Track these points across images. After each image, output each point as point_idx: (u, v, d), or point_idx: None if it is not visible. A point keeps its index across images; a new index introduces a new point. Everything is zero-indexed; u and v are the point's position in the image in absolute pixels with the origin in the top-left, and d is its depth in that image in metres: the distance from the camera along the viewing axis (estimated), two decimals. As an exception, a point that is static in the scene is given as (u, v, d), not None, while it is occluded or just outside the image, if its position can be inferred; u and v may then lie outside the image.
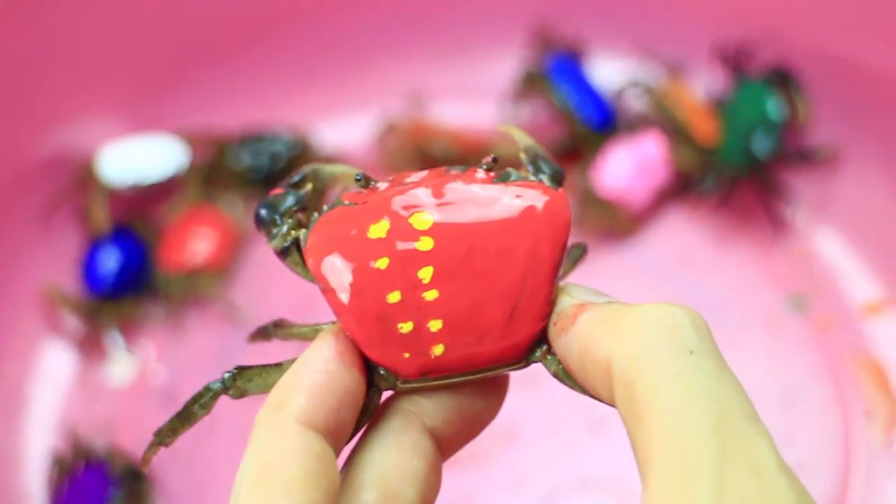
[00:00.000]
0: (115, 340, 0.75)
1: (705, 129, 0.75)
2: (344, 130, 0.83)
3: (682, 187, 0.76)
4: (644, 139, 0.76)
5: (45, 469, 0.69)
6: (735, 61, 0.77)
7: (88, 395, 0.74)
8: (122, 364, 0.75)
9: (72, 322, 0.76)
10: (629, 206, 0.75)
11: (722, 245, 0.75)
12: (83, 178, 0.79)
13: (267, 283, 0.77)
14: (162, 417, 0.76)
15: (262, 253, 0.79)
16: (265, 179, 0.81)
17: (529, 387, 0.68)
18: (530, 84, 0.81)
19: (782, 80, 0.75)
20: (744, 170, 0.74)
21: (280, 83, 0.84)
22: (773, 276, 0.73)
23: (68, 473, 0.68)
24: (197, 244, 0.78)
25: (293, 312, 0.75)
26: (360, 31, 0.84)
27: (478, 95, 0.83)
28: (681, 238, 0.75)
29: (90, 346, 0.75)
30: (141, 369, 0.75)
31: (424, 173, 0.34)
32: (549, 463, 0.67)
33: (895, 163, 0.72)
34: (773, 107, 0.74)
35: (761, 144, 0.73)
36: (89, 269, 0.77)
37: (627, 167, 0.75)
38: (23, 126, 0.78)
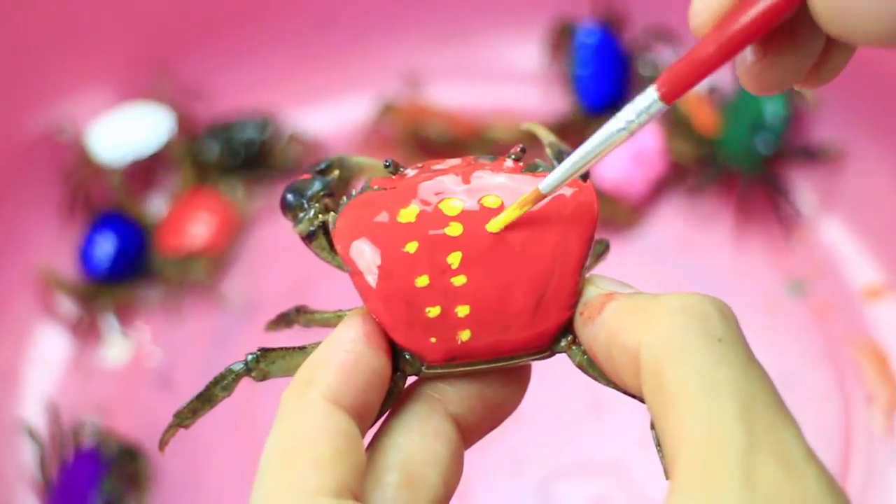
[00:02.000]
0: (110, 324, 0.75)
1: (705, 118, 0.75)
2: (335, 113, 0.83)
3: (679, 178, 0.76)
4: (640, 129, 0.76)
5: (38, 452, 0.68)
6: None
7: (83, 377, 0.74)
8: (117, 346, 0.75)
9: (67, 305, 0.76)
10: (628, 198, 0.74)
11: (722, 231, 0.75)
12: (80, 161, 0.78)
13: (263, 270, 0.77)
14: (156, 399, 0.76)
15: (260, 239, 0.79)
16: (242, 165, 0.81)
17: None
18: (561, 38, 0.80)
19: None
20: (746, 165, 0.73)
21: (270, 63, 0.84)
22: (773, 261, 0.72)
23: (60, 456, 0.68)
24: (195, 228, 0.78)
25: (287, 298, 0.74)
26: (354, 11, 0.84)
27: (473, 77, 0.83)
28: (680, 225, 0.75)
29: (85, 329, 0.75)
30: (136, 351, 0.74)
31: (454, 161, 0.34)
32: (549, 446, 0.67)
33: (896, 149, 0.72)
34: (778, 104, 0.74)
35: (765, 141, 0.73)
36: (86, 253, 0.77)
37: (625, 158, 0.74)
38: (13, 106, 0.78)
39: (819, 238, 0.73)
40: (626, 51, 0.79)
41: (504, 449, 0.66)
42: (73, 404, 0.71)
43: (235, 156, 0.81)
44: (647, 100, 0.29)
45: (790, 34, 0.29)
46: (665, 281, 0.71)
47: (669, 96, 0.29)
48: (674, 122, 0.76)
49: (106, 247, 0.76)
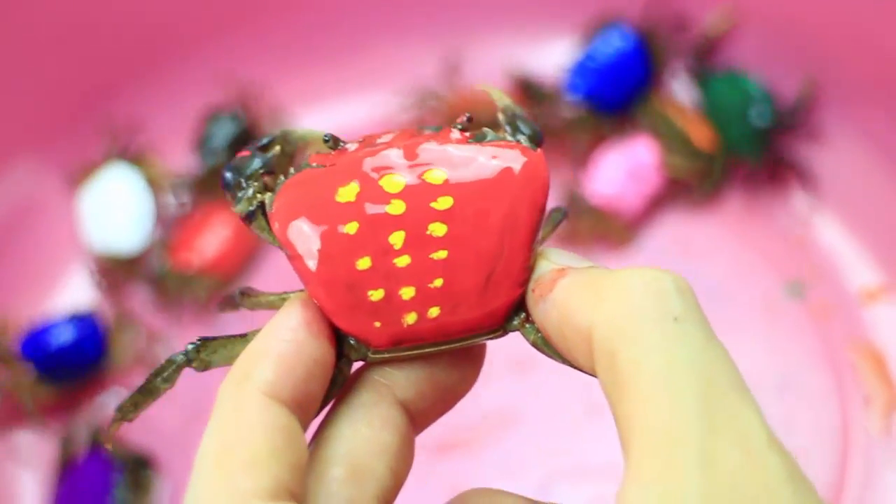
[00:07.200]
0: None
1: (701, 133, 0.74)
2: (342, 113, 0.82)
3: (675, 194, 0.75)
4: (635, 144, 0.75)
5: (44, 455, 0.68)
6: (700, 55, 0.76)
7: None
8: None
9: None
10: (622, 214, 0.73)
11: (720, 231, 0.74)
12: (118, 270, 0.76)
13: (262, 267, 0.77)
14: (157, 403, 0.76)
15: (271, 267, 0.77)
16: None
17: (524, 372, 0.68)
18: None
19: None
20: (750, 148, 0.73)
21: (269, 64, 0.83)
22: (771, 263, 0.72)
23: (69, 459, 0.68)
24: (207, 244, 0.76)
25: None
26: (356, 12, 0.83)
27: (475, 80, 0.82)
28: (675, 231, 0.74)
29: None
30: (134, 353, 0.74)
31: (396, 133, 0.33)
32: (545, 449, 0.67)
33: (895, 149, 0.72)
34: (752, 82, 0.74)
35: (761, 113, 0.73)
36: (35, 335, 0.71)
37: (619, 173, 0.74)
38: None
39: (818, 240, 0.73)
40: (647, 71, 0.77)
41: (499, 452, 0.66)
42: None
43: (231, 157, 0.79)
44: None
45: None
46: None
47: None
48: (670, 137, 0.75)
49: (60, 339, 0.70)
